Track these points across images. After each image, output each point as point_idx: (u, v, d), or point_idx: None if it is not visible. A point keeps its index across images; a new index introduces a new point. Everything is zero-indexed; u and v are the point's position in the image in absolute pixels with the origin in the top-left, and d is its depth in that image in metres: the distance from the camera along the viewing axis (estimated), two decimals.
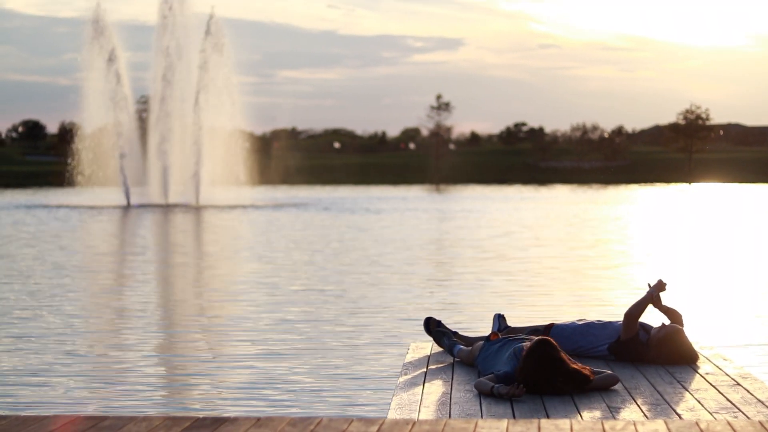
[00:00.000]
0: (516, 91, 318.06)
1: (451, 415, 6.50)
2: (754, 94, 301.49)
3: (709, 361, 8.19)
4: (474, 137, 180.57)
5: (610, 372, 7.33)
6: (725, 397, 6.97)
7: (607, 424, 5.61)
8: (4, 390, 9.86)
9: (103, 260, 24.56)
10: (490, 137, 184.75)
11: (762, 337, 12.68)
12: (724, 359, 8.27)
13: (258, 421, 5.62)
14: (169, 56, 56.55)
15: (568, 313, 14.19)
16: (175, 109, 56.93)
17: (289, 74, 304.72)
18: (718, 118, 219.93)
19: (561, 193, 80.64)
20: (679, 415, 6.44)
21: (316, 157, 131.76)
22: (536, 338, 7.22)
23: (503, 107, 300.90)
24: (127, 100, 56.57)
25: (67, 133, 72.51)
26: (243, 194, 60.09)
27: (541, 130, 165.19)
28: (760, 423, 5.62)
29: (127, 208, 52.02)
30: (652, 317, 8.88)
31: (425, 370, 7.99)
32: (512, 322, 9.54)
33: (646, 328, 8.35)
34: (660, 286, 8.45)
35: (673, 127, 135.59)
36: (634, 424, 5.60)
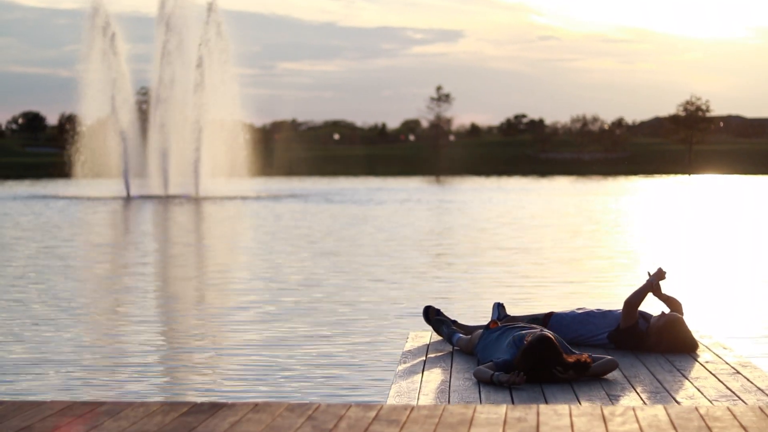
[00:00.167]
0: (516, 82, 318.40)
1: (450, 402, 6.48)
2: (754, 85, 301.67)
3: (709, 349, 8.17)
4: (474, 129, 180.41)
5: (609, 357, 7.30)
6: (725, 385, 6.95)
7: (606, 410, 5.59)
8: (2, 376, 9.85)
9: (102, 250, 24.55)
10: (490, 129, 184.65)
11: (762, 327, 12.67)
12: (724, 348, 8.25)
13: (256, 407, 5.61)
14: (169, 47, 56.46)
15: (567, 302, 14.17)
16: (176, 101, 56.87)
17: (289, 66, 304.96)
18: (718, 109, 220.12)
19: (561, 185, 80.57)
20: (678, 403, 6.42)
21: (316, 149, 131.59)
22: (535, 334, 7.16)
23: (503, 99, 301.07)
24: (127, 92, 56.53)
25: (67, 125, 72.40)
26: (243, 185, 60.05)
27: (541, 121, 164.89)
28: (760, 408, 5.60)
29: (127, 199, 51.99)
30: (652, 306, 8.85)
31: (424, 358, 7.96)
32: (511, 310, 9.52)
33: (645, 316, 8.32)
34: (660, 274, 8.41)
35: (674, 119, 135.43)
36: (633, 410, 5.58)
